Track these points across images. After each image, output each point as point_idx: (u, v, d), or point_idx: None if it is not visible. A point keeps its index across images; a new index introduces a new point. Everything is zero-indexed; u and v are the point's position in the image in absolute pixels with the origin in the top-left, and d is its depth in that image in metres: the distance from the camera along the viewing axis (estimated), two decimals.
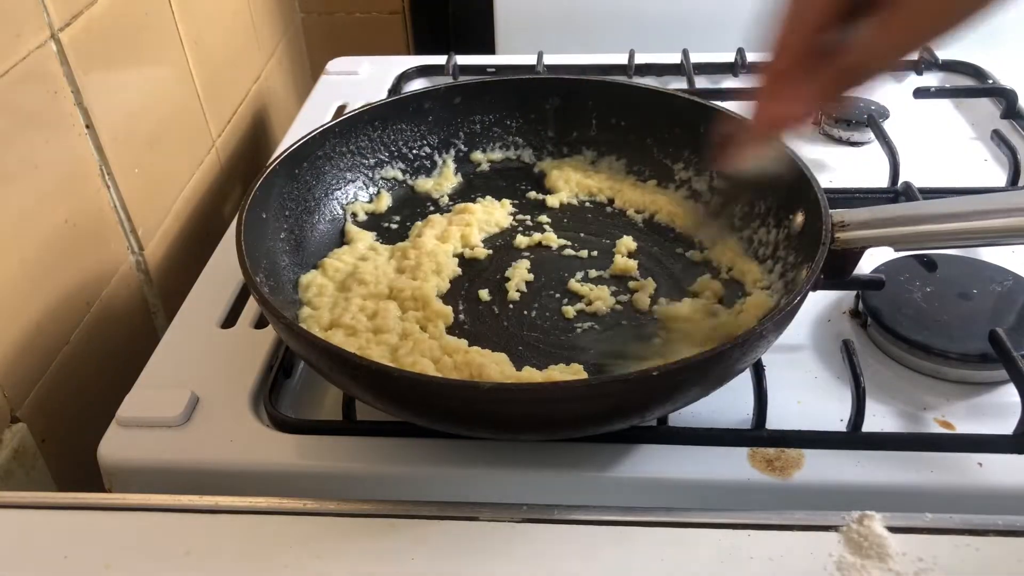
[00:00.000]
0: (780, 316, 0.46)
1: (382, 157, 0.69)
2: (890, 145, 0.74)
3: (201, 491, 0.46)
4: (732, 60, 0.92)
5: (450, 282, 0.60)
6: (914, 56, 0.89)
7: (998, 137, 0.78)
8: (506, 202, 0.68)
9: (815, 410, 0.53)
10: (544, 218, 0.67)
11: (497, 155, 0.72)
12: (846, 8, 0.38)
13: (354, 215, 0.66)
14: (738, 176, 0.48)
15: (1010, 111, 0.82)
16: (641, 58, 0.92)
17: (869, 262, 0.59)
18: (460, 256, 0.63)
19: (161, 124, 0.76)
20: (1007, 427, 0.50)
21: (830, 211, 0.52)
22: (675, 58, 0.92)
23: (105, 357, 0.66)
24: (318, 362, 0.48)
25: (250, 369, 0.57)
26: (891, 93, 0.88)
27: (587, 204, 0.69)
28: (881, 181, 0.73)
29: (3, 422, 0.55)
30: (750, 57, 0.91)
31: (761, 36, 0.40)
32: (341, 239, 0.65)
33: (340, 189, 0.66)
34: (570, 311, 0.57)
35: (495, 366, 0.51)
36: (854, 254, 0.52)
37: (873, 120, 0.79)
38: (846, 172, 0.77)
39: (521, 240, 0.64)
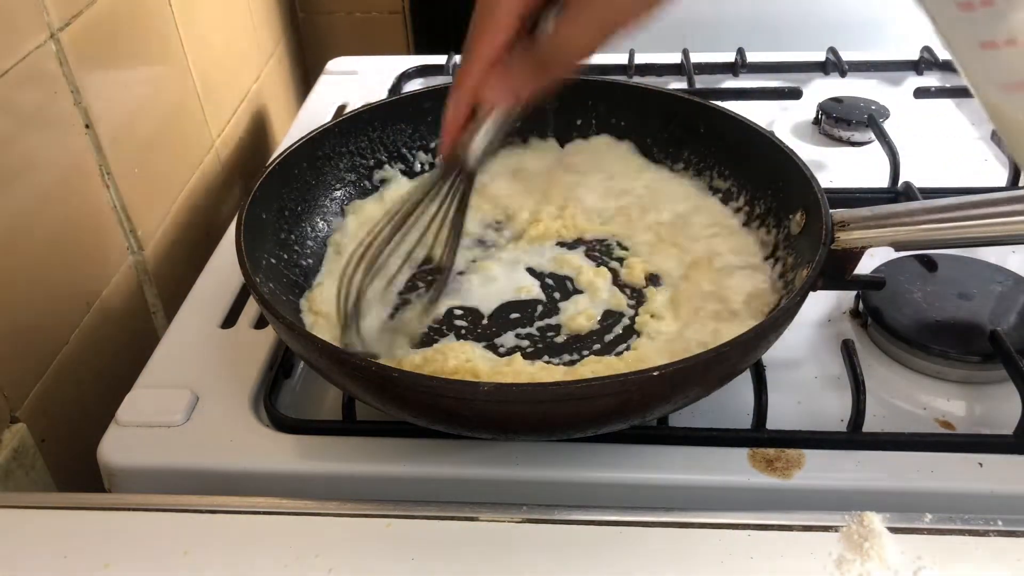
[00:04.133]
0: (780, 316, 0.46)
1: (382, 157, 0.69)
2: (890, 145, 0.74)
3: (201, 491, 0.46)
4: (732, 60, 0.92)
5: None
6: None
7: (998, 137, 0.77)
8: None
9: (815, 410, 0.53)
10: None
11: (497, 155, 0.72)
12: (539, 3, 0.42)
13: (354, 215, 0.66)
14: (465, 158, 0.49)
15: None
16: (641, 58, 0.92)
17: (869, 262, 0.59)
18: None
19: (161, 124, 0.76)
20: (1007, 427, 0.50)
21: (830, 211, 0.52)
22: (675, 58, 0.92)
23: (105, 357, 0.66)
24: (318, 362, 0.48)
25: (250, 369, 0.57)
26: (891, 93, 0.88)
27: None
28: (881, 181, 0.73)
29: (3, 422, 0.55)
30: (750, 57, 0.91)
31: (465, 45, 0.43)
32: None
33: (340, 190, 0.66)
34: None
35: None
36: (854, 254, 0.52)
37: (873, 120, 0.79)
38: (846, 172, 0.77)
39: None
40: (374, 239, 0.51)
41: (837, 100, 0.83)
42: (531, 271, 0.62)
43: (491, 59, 0.43)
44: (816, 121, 0.84)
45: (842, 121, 0.81)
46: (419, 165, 0.70)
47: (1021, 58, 0.26)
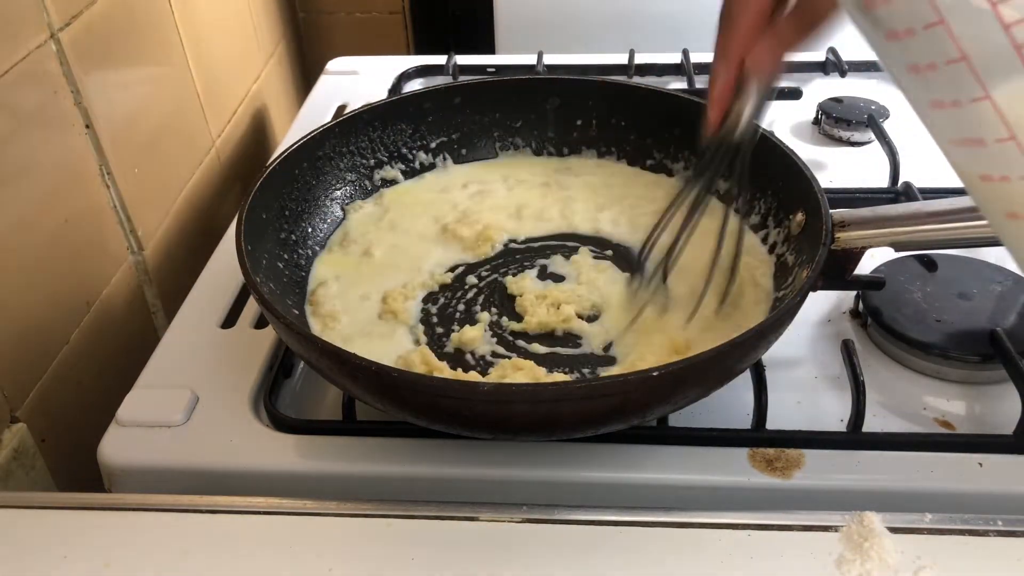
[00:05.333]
0: (780, 316, 0.46)
1: (382, 157, 0.69)
2: (890, 145, 0.74)
3: (201, 491, 0.46)
4: None
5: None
6: None
7: None
8: None
9: (815, 410, 0.53)
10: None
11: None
12: None
13: (354, 215, 0.66)
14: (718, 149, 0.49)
15: None
16: (641, 58, 0.92)
17: (869, 262, 0.59)
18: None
19: (161, 124, 0.76)
20: (1007, 427, 0.50)
21: (830, 211, 0.52)
22: (675, 58, 0.92)
23: (105, 357, 0.66)
24: (318, 362, 0.48)
25: (250, 369, 0.57)
26: (891, 93, 0.88)
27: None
28: (881, 181, 0.73)
29: (3, 422, 0.55)
30: None
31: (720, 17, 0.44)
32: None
33: (340, 189, 0.66)
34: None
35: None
36: (854, 254, 0.52)
37: (873, 120, 0.79)
38: (846, 172, 0.77)
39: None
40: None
41: (837, 100, 0.83)
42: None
43: (756, 25, 0.43)
44: (816, 121, 0.84)
45: (842, 121, 0.81)
46: (419, 165, 0.70)
47: (945, 79, 0.28)
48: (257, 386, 0.56)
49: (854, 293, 0.61)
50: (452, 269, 0.62)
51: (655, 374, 0.42)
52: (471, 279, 0.61)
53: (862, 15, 0.30)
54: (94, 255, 0.66)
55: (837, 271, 0.52)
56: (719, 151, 0.49)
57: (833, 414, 0.53)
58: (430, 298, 0.59)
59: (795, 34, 0.43)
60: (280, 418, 0.53)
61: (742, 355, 0.46)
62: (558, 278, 0.61)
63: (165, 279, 0.75)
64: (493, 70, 0.92)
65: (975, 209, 0.50)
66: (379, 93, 0.88)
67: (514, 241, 0.65)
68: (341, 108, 0.89)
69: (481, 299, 0.59)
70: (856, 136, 0.81)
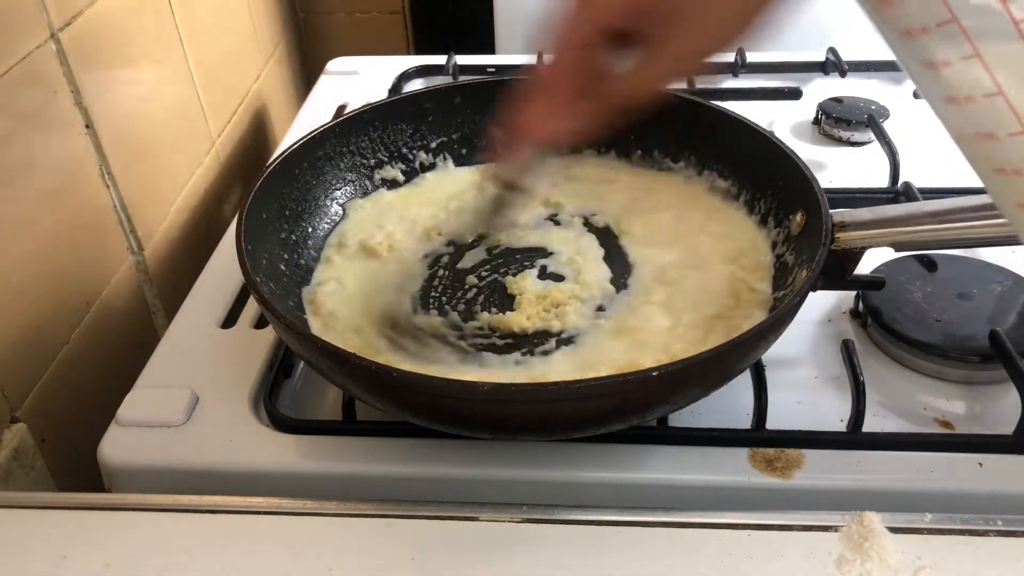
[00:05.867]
0: (780, 316, 0.46)
1: (382, 157, 0.69)
2: (890, 145, 0.74)
3: (201, 491, 0.46)
4: (732, 60, 0.92)
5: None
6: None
7: None
8: None
9: (815, 410, 0.53)
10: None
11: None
12: (617, 33, 0.38)
13: (355, 215, 0.66)
14: (510, 181, 0.48)
15: None
16: None
17: (869, 262, 0.59)
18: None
19: (161, 124, 0.76)
20: (1007, 427, 0.50)
21: (830, 211, 0.52)
22: None
23: (105, 357, 0.66)
24: (318, 362, 0.48)
25: (250, 369, 0.57)
26: (891, 93, 0.88)
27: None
28: (881, 181, 0.73)
29: (3, 422, 0.55)
30: (750, 57, 0.91)
31: (535, 43, 0.40)
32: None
33: (340, 189, 0.66)
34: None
35: None
36: (854, 254, 0.52)
37: (873, 120, 0.79)
38: (846, 172, 0.77)
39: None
40: None
41: (837, 100, 0.83)
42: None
43: (569, 67, 0.40)
44: (816, 121, 0.84)
45: (842, 121, 0.81)
46: (419, 165, 0.70)
47: (958, 76, 0.29)
48: (257, 386, 0.56)
49: (854, 293, 0.61)
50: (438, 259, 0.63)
51: (655, 374, 0.42)
52: (471, 279, 0.61)
53: (876, 13, 0.30)
54: (94, 255, 0.66)
55: (837, 271, 0.52)
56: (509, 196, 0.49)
57: (833, 414, 0.53)
58: (430, 298, 0.59)
59: (591, 113, 0.41)
60: (280, 418, 0.53)
61: (742, 355, 0.46)
62: (558, 278, 0.61)
63: (165, 279, 0.75)
64: (493, 70, 0.92)
65: (975, 209, 0.50)
66: (379, 93, 0.88)
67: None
68: (341, 108, 0.89)
69: (481, 299, 0.59)
70: (856, 136, 0.81)
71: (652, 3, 0.37)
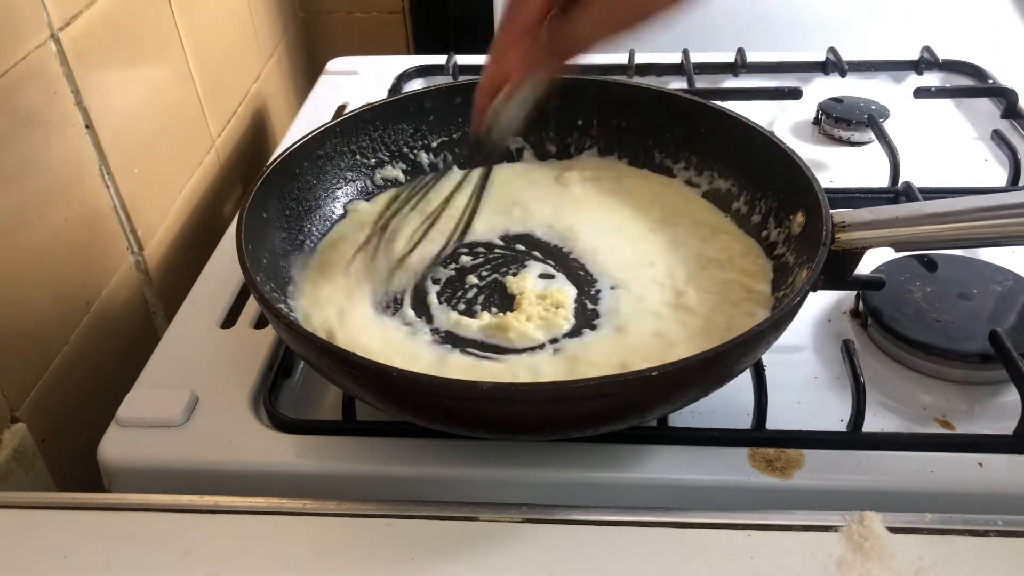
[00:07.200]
0: (780, 316, 0.46)
1: (383, 157, 0.69)
2: (890, 145, 0.74)
3: (201, 491, 0.46)
4: (732, 60, 0.92)
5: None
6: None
7: (998, 137, 0.77)
8: None
9: (815, 410, 0.53)
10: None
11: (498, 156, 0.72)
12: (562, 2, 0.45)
13: (355, 215, 0.66)
14: (488, 140, 0.52)
15: (1010, 111, 0.82)
16: (641, 58, 0.92)
17: (869, 262, 0.59)
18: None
19: (161, 124, 0.76)
20: (1007, 427, 0.50)
21: (830, 211, 0.52)
22: (675, 58, 0.92)
23: (105, 357, 0.66)
24: (318, 362, 0.48)
25: (250, 369, 0.57)
26: (891, 93, 0.88)
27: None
28: (881, 181, 0.73)
29: (3, 422, 0.55)
30: (750, 57, 0.91)
31: (499, 18, 0.47)
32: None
33: (341, 189, 0.66)
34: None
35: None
36: (854, 254, 0.52)
37: (873, 120, 0.79)
38: (846, 172, 0.77)
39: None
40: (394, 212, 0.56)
41: (837, 100, 0.83)
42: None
43: (519, 33, 0.46)
44: (816, 121, 0.84)
45: (842, 121, 0.81)
46: (420, 164, 0.70)
47: None
48: (257, 386, 0.56)
49: (854, 293, 0.61)
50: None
51: (654, 374, 0.42)
52: (471, 279, 0.61)
53: None
54: (94, 255, 0.66)
55: (837, 271, 0.52)
56: (483, 148, 0.52)
57: (833, 414, 0.53)
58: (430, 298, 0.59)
59: (542, 55, 0.46)
60: (280, 418, 0.53)
61: (742, 355, 0.46)
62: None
63: (165, 279, 0.75)
64: None
65: (975, 209, 0.50)
66: (379, 93, 0.88)
67: (506, 236, 0.65)
68: (341, 108, 0.89)
69: (481, 299, 0.59)
70: (856, 136, 0.81)
71: None
